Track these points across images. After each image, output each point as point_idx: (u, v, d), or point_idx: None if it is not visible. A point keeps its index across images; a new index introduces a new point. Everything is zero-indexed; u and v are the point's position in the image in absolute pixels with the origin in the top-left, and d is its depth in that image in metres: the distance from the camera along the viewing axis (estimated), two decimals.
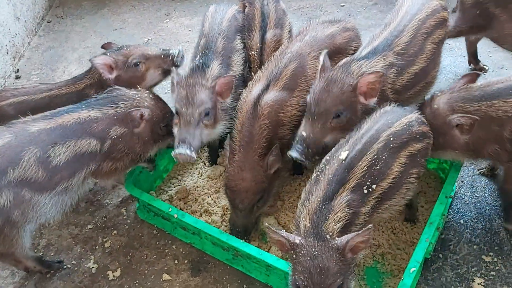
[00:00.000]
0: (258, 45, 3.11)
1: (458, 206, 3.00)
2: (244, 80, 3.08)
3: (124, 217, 3.18)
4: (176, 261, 2.92)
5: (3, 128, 2.55)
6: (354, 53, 2.93)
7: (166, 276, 2.84)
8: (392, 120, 2.42)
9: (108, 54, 3.02)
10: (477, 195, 3.03)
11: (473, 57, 3.76)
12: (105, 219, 3.18)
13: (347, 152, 2.30)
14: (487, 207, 2.97)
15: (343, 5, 4.67)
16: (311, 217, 2.16)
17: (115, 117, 2.71)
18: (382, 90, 2.68)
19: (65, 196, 2.63)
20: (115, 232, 3.10)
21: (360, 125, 2.45)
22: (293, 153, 2.53)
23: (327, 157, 2.37)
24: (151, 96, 2.88)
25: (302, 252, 2.04)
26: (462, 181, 3.10)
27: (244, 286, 2.77)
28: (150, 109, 2.79)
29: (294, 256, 2.07)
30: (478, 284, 2.63)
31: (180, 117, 2.69)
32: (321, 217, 2.15)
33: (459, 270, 2.70)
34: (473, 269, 2.70)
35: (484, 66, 3.76)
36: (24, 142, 2.47)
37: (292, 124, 2.76)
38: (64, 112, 2.67)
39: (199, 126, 2.69)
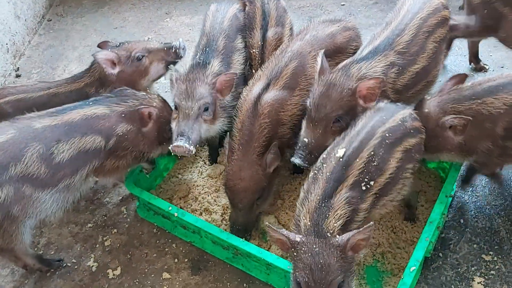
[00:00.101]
0: (259, 43, 3.12)
1: (458, 205, 2.99)
2: (245, 79, 3.08)
3: (124, 216, 3.18)
4: (176, 260, 2.92)
5: (7, 123, 2.56)
6: (354, 53, 2.93)
7: (166, 275, 2.84)
8: (386, 116, 2.44)
9: (110, 49, 3.02)
10: (477, 194, 3.03)
11: (474, 56, 3.75)
12: (105, 218, 3.18)
13: (344, 149, 2.31)
14: (487, 206, 2.97)
15: (344, 4, 4.66)
16: (311, 216, 2.16)
17: (123, 114, 2.73)
18: (383, 90, 2.68)
19: (67, 193, 2.64)
20: (115, 230, 3.10)
21: (355, 123, 2.46)
22: (296, 160, 2.54)
23: (323, 155, 2.38)
24: (160, 98, 2.90)
25: (303, 249, 2.05)
26: (463, 180, 3.10)
27: (244, 284, 2.77)
28: (159, 110, 2.80)
29: (295, 253, 2.08)
30: (478, 283, 2.63)
31: (179, 110, 2.68)
32: (321, 215, 2.15)
33: (459, 269, 2.70)
34: (473, 268, 2.70)
35: (485, 66, 3.75)
36: (28, 138, 2.48)
37: (292, 123, 2.76)
38: (71, 109, 2.68)
39: (198, 120, 2.68)
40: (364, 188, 2.25)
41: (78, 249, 3.02)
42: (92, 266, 2.93)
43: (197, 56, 2.96)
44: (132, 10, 5.00)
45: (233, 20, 3.20)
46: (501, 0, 3.15)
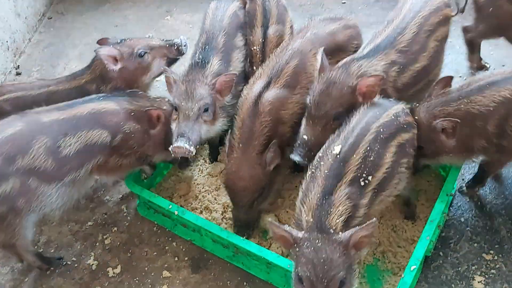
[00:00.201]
0: (260, 40, 3.11)
1: (459, 204, 2.99)
2: (245, 76, 3.08)
3: (125, 214, 3.18)
4: (176, 258, 2.92)
5: (16, 117, 2.58)
6: (355, 51, 2.92)
7: (166, 273, 2.84)
8: (380, 112, 2.45)
9: (112, 46, 3.02)
10: (478, 193, 3.02)
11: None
12: (106, 216, 3.18)
13: (340, 146, 2.31)
14: (487, 205, 2.97)
15: (345, 2, 4.66)
16: (313, 213, 2.16)
17: (132, 113, 2.74)
18: (384, 88, 2.67)
19: (73, 188, 2.66)
20: (115, 229, 3.10)
21: (349, 119, 2.46)
22: (296, 157, 2.54)
23: (319, 153, 2.38)
24: (170, 102, 2.91)
25: (305, 245, 2.05)
26: (463, 179, 3.09)
27: (244, 283, 2.77)
28: (168, 113, 2.81)
29: (297, 249, 2.07)
30: (478, 282, 2.62)
31: (179, 111, 2.68)
32: (323, 212, 2.15)
33: (460, 268, 2.70)
34: (473, 267, 2.69)
35: (486, 64, 3.74)
36: (35, 132, 2.50)
37: (293, 121, 2.76)
38: (80, 103, 2.70)
39: (198, 121, 2.68)
40: (362, 183, 2.26)
41: (78, 247, 3.02)
42: (92, 264, 2.93)
43: (196, 55, 2.95)
44: (133, 8, 4.99)
45: (233, 18, 3.19)
46: None
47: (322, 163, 2.31)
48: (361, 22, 3.67)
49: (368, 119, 2.41)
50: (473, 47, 3.61)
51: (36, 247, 3.00)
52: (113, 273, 2.88)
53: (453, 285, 2.64)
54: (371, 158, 2.29)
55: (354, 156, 2.28)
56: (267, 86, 2.74)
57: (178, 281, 2.81)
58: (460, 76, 3.76)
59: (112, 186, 3.31)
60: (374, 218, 2.07)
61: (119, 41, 3.08)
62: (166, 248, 2.97)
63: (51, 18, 5.00)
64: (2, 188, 2.41)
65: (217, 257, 2.88)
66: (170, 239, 3.01)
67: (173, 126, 2.71)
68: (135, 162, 2.87)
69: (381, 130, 2.36)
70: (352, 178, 2.24)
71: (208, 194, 3.13)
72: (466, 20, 3.69)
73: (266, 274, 2.73)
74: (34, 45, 4.68)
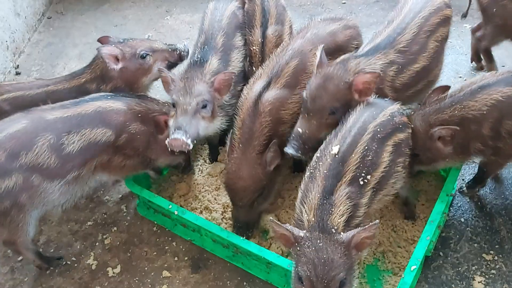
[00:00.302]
0: (259, 40, 3.11)
1: (459, 204, 2.99)
2: (244, 76, 3.07)
3: (124, 214, 3.17)
4: (176, 258, 2.91)
5: (22, 114, 2.60)
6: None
7: (166, 273, 2.84)
8: (376, 111, 2.46)
9: (114, 45, 3.02)
10: (478, 193, 3.03)
11: (476, 55, 3.74)
12: (105, 216, 3.17)
13: (338, 146, 2.32)
14: (488, 206, 2.97)
15: (345, 3, 4.66)
16: (315, 212, 2.16)
17: (140, 115, 2.75)
18: (381, 88, 2.68)
19: (75, 186, 2.67)
20: (115, 228, 3.10)
21: (345, 119, 2.47)
22: (289, 150, 2.53)
23: (317, 154, 2.39)
24: None
25: (306, 244, 2.05)
26: (463, 179, 3.09)
27: (244, 283, 2.76)
28: None
29: (298, 248, 2.07)
30: (478, 282, 2.63)
31: (177, 107, 2.66)
32: (325, 212, 2.15)
33: (460, 268, 2.70)
34: (473, 268, 2.70)
35: None
36: (40, 129, 2.52)
37: (293, 121, 2.75)
38: (86, 101, 2.71)
39: (196, 116, 2.66)
40: (362, 182, 2.26)
41: (78, 247, 3.02)
42: (92, 264, 2.92)
43: (195, 55, 2.95)
44: (132, 8, 4.99)
45: (231, 18, 3.19)
46: None
47: (320, 163, 2.31)
48: (361, 22, 3.69)
49: (365, 118, 2.42)
50: (489, 56, 3.58)
51: (35, 246, 2.99)
52: (113, 272, 2.87)
53: (453, 285, 2.64)
54: (369, 158, 2.30)
55: (353, 155, 2.28)
56: (267, 86, 2.74)
57: (178, 281, 2.81)
58: (461, 77, 3.77)
59: (112, 186, 3.31)
60: (377, 220, 2.07)
61: (121, 41, 3.08)
62: (166, 248, 2.97)
63: (50, 17, 5.00)
64: (5, 183, 2.43)
65: (217, 257, 2.88)
66: (170, 239, 3.01)
67: (171, 122, 2.69)
68: (139, 165, 2.88)
69: (378, 129, 2.37)
70: (351, 177, 2.25)
71: (208, 194, 3.12)
72: (466, 20, 3.71)
73: (266, 274, 2.73)
74: (34, 44, 4.67)
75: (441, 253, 2.77)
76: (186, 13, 4.81)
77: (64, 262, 2.94)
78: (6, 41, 4.33)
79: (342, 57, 2.73)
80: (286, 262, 2.47)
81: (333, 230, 2.10)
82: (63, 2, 5.17)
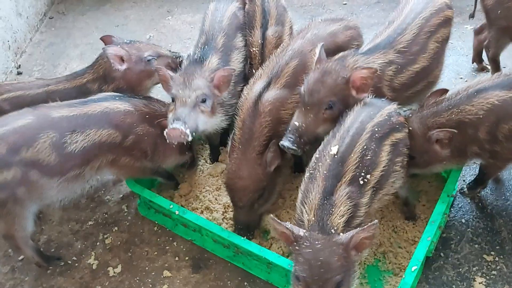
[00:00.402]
0: (259, 41, 3.11)
1: (460, 205, 2.99)
2: (245, 77, 3.08)
3: (125, 214, 3.18)
4: (176, 258, 2.92)
5: (29, 109, 2.63)
6: None
7: (166, 273, 2.84)
8: (373, 111, 2.47)
9: (119, 45, 3.02)
10: (479, 194, 3.02)
11: (478, 56, 3.73)
12: (106, 216, 3.17)
13: (336, 146, 2.32)
14: (488, 206, 2.96)
15: (346, 3, 4.66)
16: (315, 212, 2.17)
17: (147, 116, 2.76)
18: (379, 87, 2.69)
19: (75, 183, 2.68)
20: (116, 228, 3.10)
21: (343, 119, 2.47)
22: (285, 143, 2.52)
23: (316, 155, 2.39)
24: None
25: (305, 244, 2.05)
26: (464, 180, 3.09)
27: (245, 283, 2.76)
28: None
29: (297, 248, 2.08)
30: (479, 283, 2.62)
31: (176, 100, 2.65)
32: (325, 212, 2.16)
33: (460, 269, 2.70)
34: (474, 268, 2.69)
35: (487, 66, 3.73)
36: (44, 126, 2.54)
37: None
38: (94, 101, 2.72)
39: (195, 109, 2.65)
40: (361, 182, 2.26)
41: (79, 246, 3.02)
42: (93, 264, 2.93)
43: (195, 54, 2.95)
44: (134, 8, 5.00)
45: (232, 19, 3.19)
46: None
47: (320, 164, 2.31)
48: (362, 23, 3.70)
49: (363, 118, 2.42)
50: (497, 66, 3.53)
51: (36, 245, 2.99)
52: (114, 272, 2.88)
53: (454, 286, 2.64)
54: (368, 157, 2.30)
55: (352, 155, 2.29)
56: (267, 86, 2.75)
57: (178, 281, 2.81)
58: (461, 78, 3.77)
59: (112, 186, 3.32)
60: (376, 220, 2.06)
61: (127, 42, 3.09)
62: (167, 247, 2.97)
63: (52, 17, 5.00)
64: (3, 175, 2.45)
65: (218, 257, 2.88)
66: (170, 239, 3.01)
67: (170, 115, 2.67)
68: (147, 169, 2.91)
69: (376, 129, 2.38)
70: (351, 177, 2.25)
71: (209, 194, 3.12)
72: (467, 22, 3.70)
73: (266, 274, 2.73)
74: (35, 44, 4.68)
75: (441, 254, 2.77)
76: (187, 14, 4.82)
77: (63, 263, 2.94)
78: (8, 41, 4.34)
79: (341, 54, 2.74)
80: (287, 262, 2.47)
81: (332, 230, 2.10)
82: (65, 2, 5.18)
